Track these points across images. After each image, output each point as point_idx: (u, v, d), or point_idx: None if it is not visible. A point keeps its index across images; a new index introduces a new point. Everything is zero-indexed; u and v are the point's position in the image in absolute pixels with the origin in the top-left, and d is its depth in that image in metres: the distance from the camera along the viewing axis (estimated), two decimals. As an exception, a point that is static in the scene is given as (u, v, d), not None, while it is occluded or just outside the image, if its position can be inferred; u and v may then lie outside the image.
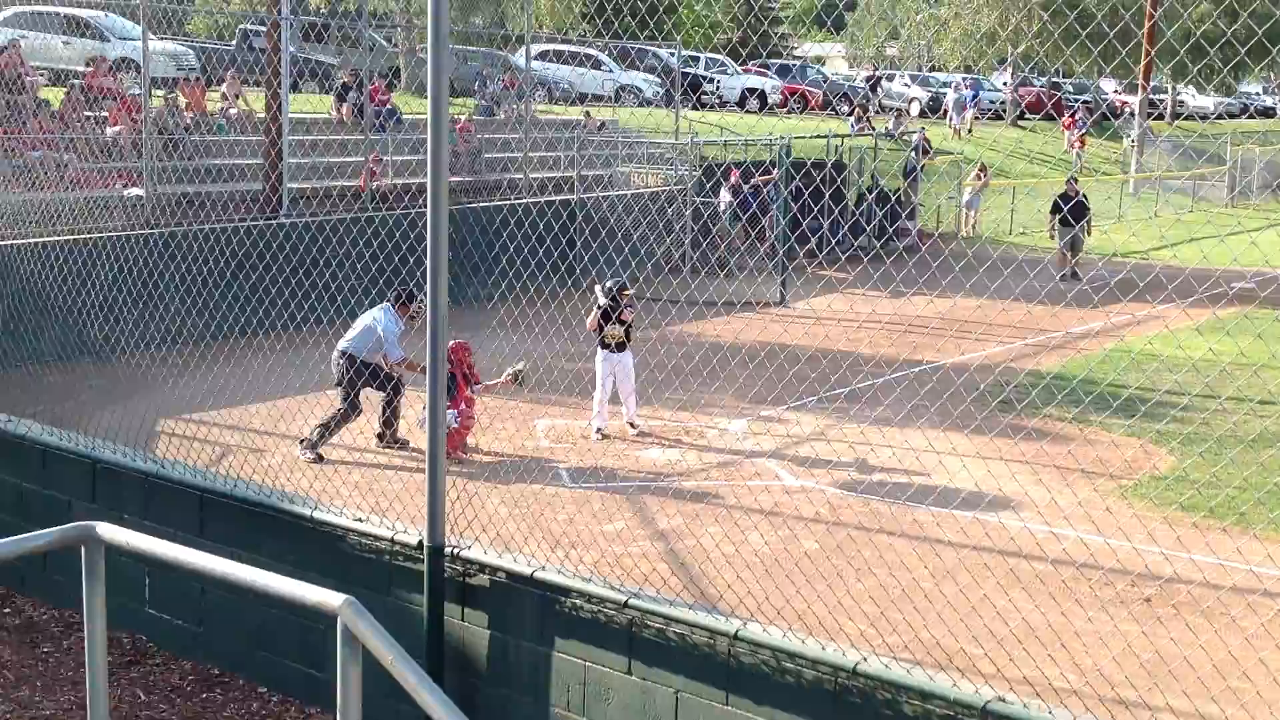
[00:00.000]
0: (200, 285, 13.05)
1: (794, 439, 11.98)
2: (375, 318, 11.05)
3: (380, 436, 11.27)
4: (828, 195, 22.72)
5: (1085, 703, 6.09)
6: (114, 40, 22.98)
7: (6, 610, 8.57)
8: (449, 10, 6.29)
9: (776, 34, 57.23)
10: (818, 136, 26.70)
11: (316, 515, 7.20)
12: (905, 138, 31.56)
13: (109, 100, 18.36)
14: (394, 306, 11.12)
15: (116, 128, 17.81)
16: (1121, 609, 7.83)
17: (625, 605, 6.07)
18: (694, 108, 34.34)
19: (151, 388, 11.19)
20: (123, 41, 22.66)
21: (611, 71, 35.54)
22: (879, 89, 45.23)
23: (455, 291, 6.93)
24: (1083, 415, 11.99)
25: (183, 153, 18.07)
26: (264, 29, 20.08)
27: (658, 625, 5.98)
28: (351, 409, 10.96)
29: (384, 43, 31.89)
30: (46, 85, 19.97)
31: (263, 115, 18.82)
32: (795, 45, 60.53)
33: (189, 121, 19.33)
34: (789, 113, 38.51)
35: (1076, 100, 46.99)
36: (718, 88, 39.46)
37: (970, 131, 39.72)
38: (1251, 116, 57.65)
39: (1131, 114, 42.99)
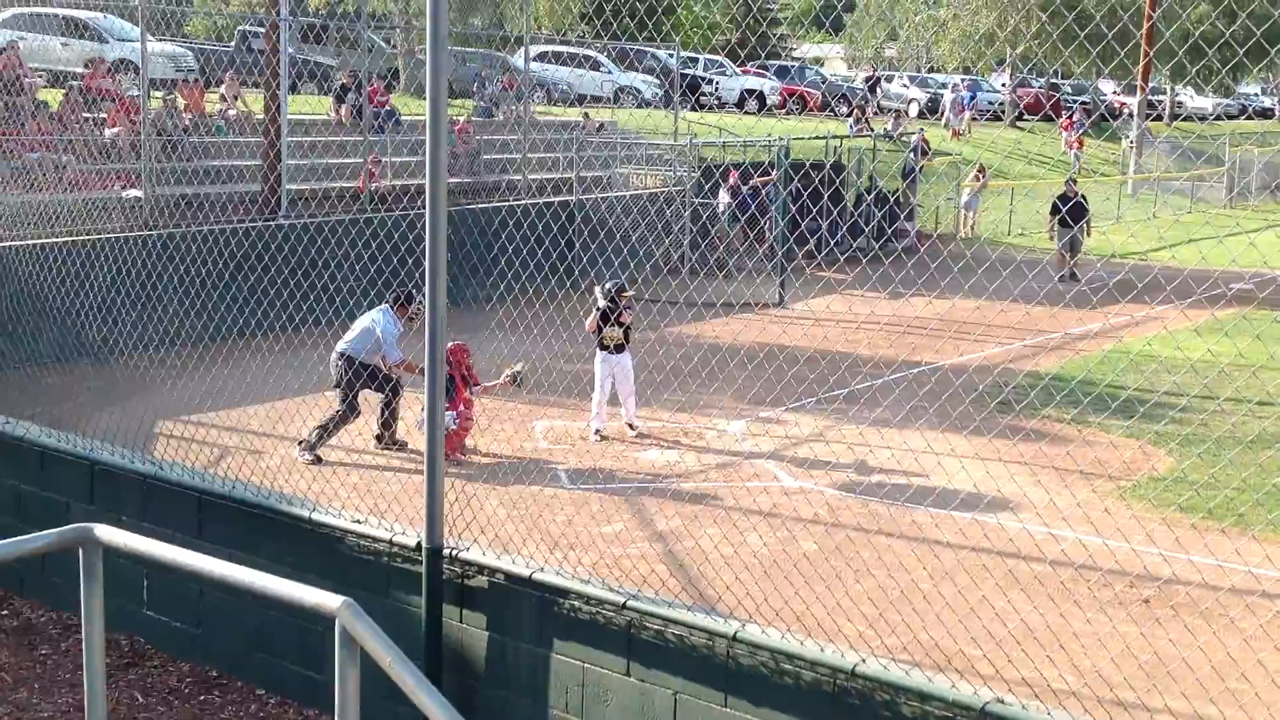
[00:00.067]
0: (199, 287, 13.04)
1: (793, 440, 11.98)
2: (374, 319, 11.05)
3: (379, 438, 11.27)
4: (826, 196, 22.72)
5: (1084, 704, 6.09)
6: (112, 42, 22.98)
7: (4, 612, 8.56)
8: (448, 11, 6.29)
9: (775, 35, 57.27)
10: (816, 138, 26.71)
11: (315, 517, 7.20)
12: (904, 139, 31.57)
13: (107, 102, 18.35)
14: (393, 308, 11.12)
15: (115, 129, 17.81)
16: (1120, 610, 7.83)
17: (624, 607, 6.06)
18: (693, 109, 34.36)
19: (150, 389, 11.19)
20: (121, 43, 22.66)
21: (610, 73, 35.55)
22: (878, 90, 45.25)
23: (454, 293, 6.93)
24: (1081, 416, 11.99)
25: (181, 154, 18.07)
26: (263, 30, 20.08)
27: (656, 627, 5.97)
28: (350, 410, 10.95)
29: (383, 44, 31.89)
30: (45, 87, 19.96)
31: (261, 116, 18.82)
32: (794, 46, 60.56)
33: (187, 123, 19.32)
34: (788, 114, 38.53)
35: (1075, 101, 47.01)
36: (716, 89, 39.49)
37: (969, 132, 39.73)
38: (1250, 117, 57.69)
39: (1130, 115, 43.03)
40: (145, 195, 16.29)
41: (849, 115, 36.07)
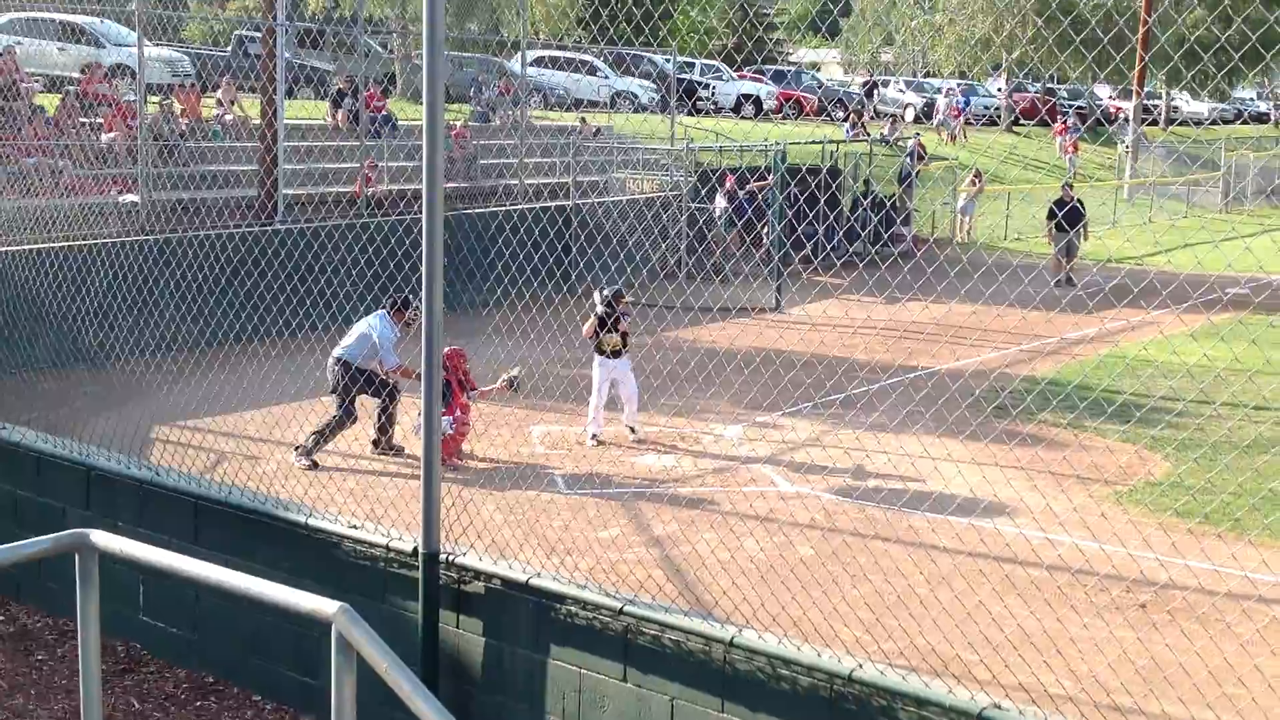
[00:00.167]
0: (195, 291, 13.04)
1: (789, 445, 11.99)
2: (371, 325, 11.04)
3: (375, 443, 11.26)
4: (823, 201, 22.73)
5: (1081, 709, 6.10)
6: (109, 46, 22.97)
7: (1, 618, 8.55)
8: (444, 16, 6.29)
9: (771, 40, 57.31)
10: (813, 142, 26.73)
11: (311, 522, 7.19)
12: (900, 143, 31.60)
13: (104, 107, 18.35)
14: (389, 313, 11.11)
15: (112, 134, 17.80)
16: (1117, 615, 7.83)
17: (620, 612, 6.06)
18: (689, 113, 34.39)
19: (146, 394, 11.18)
20: (118, 48, 22.66)
21: (607, 77, 35.58)
22: (874, 95, 45.31)
23: (450, 297, 6.93)
24: (1078, 421, 12.00)
25: (178, 159, 18.06)
26: (259, 35, 20.08)
27: (653, 632, 5.97)
28: (347, 416, 10.95)
29: (379, 49, 31.90)
30: (41, 92, 19.96)
31: (258, 121, 18.81)
32: (790, 51, 60.58)
33: (184, 128, 19.32)
34: (784, 118, 38.56)
35: (1070, 106, 47.07)
36: (713, 94, 39.53)
37: (965, 137, 39.77)
38: (1246, 122, 57.75)
39: (1126, 120, 43.08)
40: (142, 200, 16.28)
41: (845, 120, 36.11)
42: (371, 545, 6.93)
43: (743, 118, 37.72)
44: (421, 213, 6.31)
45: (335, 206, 18.69)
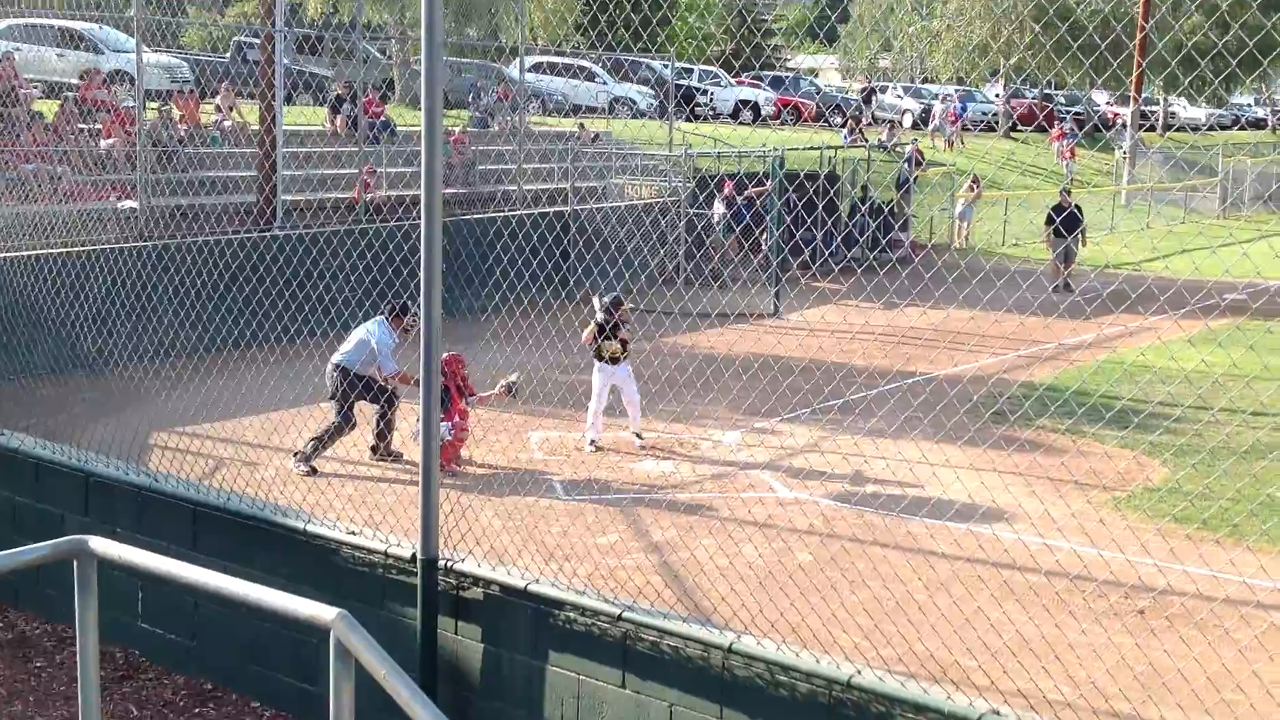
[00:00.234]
0: (194, 298, 13.04)
1: (788, 451, 11.99)
2: (370, 331, 11.05)
3: (374, 449, 11.26)
4: (821, 207, 22.75)
5: (1079, 715, 6.09)
6: (108, 53, 22.99)
7: (-1, 624, 8.55)
8: (443, 22, 6.30)
9: (769, 46, 57.39)
10: (811, 148, 26.75)
11: (310, 528, 7.19)
12: (898, 149, 31.64)
13: (103, 113, 18.36)
14: (388, 319, 11.12)
15: (110, 140, 17.81)
16: (1115, 621, 7.84)
17: (619, 618, 6.06)
18: (687, 120, 34.41)
19: (144, 401, 11.18)
20: (117, 54, 22.68)
21: (605, 83, 35.61)
22: (872, 101, 45.37)
23: (449, 303, 6.93)
24: (1076, 427, 12.00)
25: (176, 165, 18.07)
26: (258, 41, 20.09)
27: (652, 638, 5.97)
28: (345, 422, 10.95)
29: (378, 55, 31.91)
30: (40, 98, 19.97)
31: (257, 127, 18.83)
32: (788, 57, 60.65)
33: (183, 134, 19.33)
34: (782, 124, 38.60)
35: (1068, 112, 47.14)
36: (711, 100, 39.57)
37: (962, 143, 39.83)
38: (1243, 128, 57.81)
39: (1123, 125, 43.15)
40: (140, 206, 16.29)
41: (843, 126, 36.16)
42: (370, 551, 6.93)
43: (741, 123, 37.76)
44: (420, 218, 6.32)
45: (334, 212, 18.70)
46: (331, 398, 11.00)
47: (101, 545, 4.46)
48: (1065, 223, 22.43)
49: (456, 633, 6.65)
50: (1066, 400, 12.90)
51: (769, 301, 20.01)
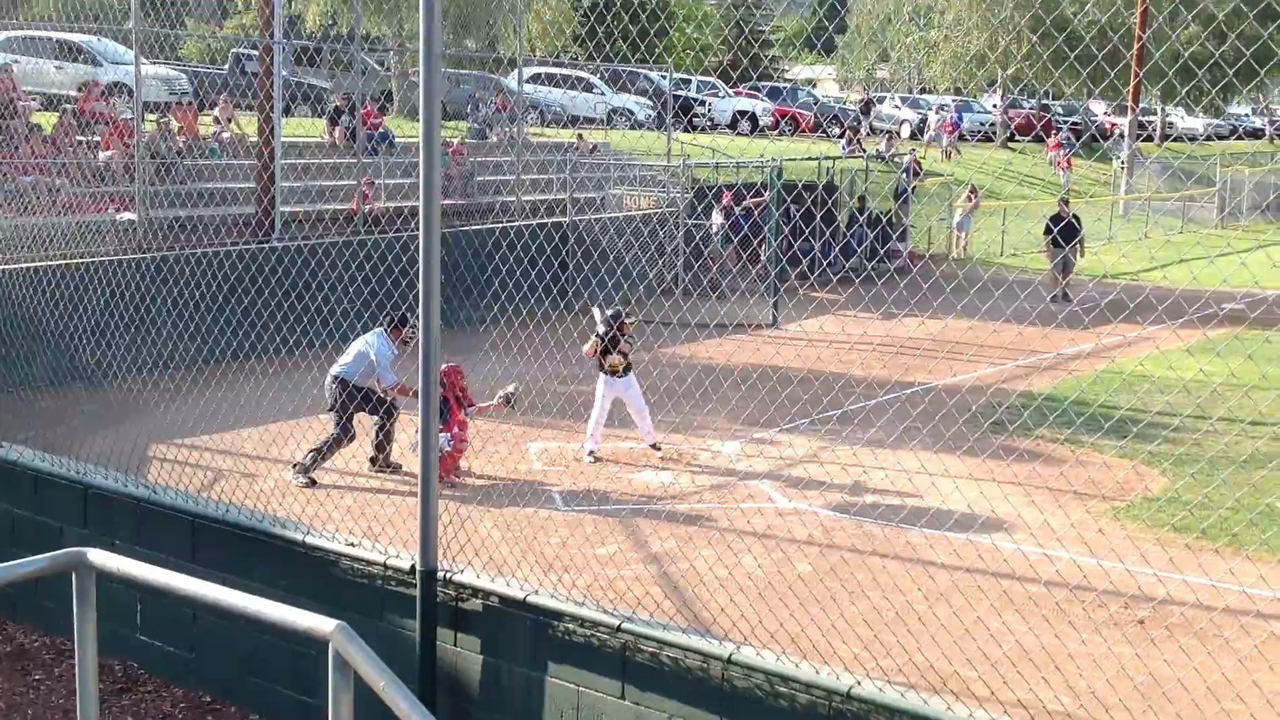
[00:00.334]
0: (192, 309, 13.05)
1: (787, 461, 11.99)
2: (368, 342, 11.06)
3: (373, 460, 11.26)
4: (819, 217, 22.78)
5: (1079, 725, 6.09)
6: (106, 65, 23.02)
7: (-3, 637, 8.53)
8: (441, 34, 6.32)
9: (767, 57, 57.49)
10: (809, 159, 26.78)
11: (309, 540, 7.19)
12: (896, 159, 31.69)
13: (101, 125, 18.38)
14: (387, 331, 11.12)
15: (109, 152, 17.83)
16: (1115, 631, 7.83)
17: (618, 629, 6.06)
18: (685, 130, 34.46)
19: (143, 413, 11.17)
20: (115, 66, 22.71)
21: (603, 94, 35.66)
22: (870, 111, 45.45)
23: (447, 314, 6.94)
24: (1075, 436, 12.01)
25: (175, 177, 18.08)
26: (256, 53, 20.13)
27: (651, 649, 5.97)
28: (344, 433, 10.94)
29: (376, 66, 31.96)
30: (39, 110, 19.99)
31: (255, 139, 18.85)
32: (786, 68, 60.77)
33: (181, 145, 19.35)
34: (780, 135, 38.66)
35: (1065, 121, 47.23)
36: (709, 110, 39.62)
37: (959, 153, 39.89)
38: (1240, 138, 57.94)
39: (1121, 135, 43.22)
40: (139, 218, 16.30)
41: (841, 136, 36.22)
42: (369, 563, 6.92)
43: (739, 134, 37.81)
44: (418, 230, 6.33)
45: (332, 224, 18.71)
46: (330, 409, 11.00)
47: (100, 557, 4.46)
48: (1063, 233, 22.46)
49: (455, 644, 6.65)
50: (1065, 410, 12.90)
51: (767, 312, 20.02)
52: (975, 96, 49.51)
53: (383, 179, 20.85)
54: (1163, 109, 53.18)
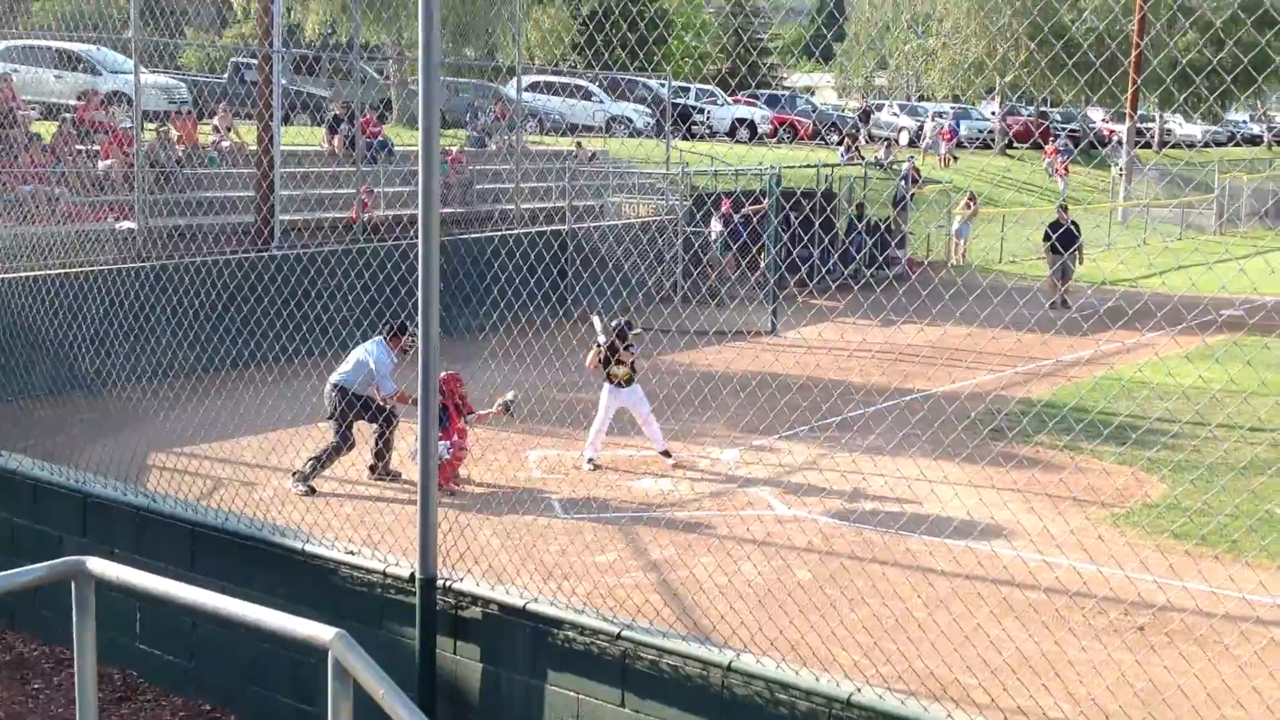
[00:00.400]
0: (192, 318, 13.05)
1: (786, 468, 11.98)
2: (368, 351, 11.06)
3: (372, 469, 11.26)
4: (818, 224, 22.80)
5: (1079, 732, 6.08)
6: (106, 74, 23.05)
7: (-4, 646, 8.52)
8: (440, 42, 6.33)
9: (765, 65, 57.57)
10: (807, 166, 26.80)
11: (308, 548, 7.18)
12: (895, 167, 31.72)
13: (101, 134, 18.39)
14: (386, 340, 11.13)
15: (108, 161, 17.84)
16: (1115, 637, 7.83)
17: (618, 637, 6.05)
18: (684, 138, 34.50)
19: (143, 421, 11.17)
20: (114, 75, 22.74)
21: (602, 102, 35.70)
22: (869, 119, 45.51)
23: (446, 322, 6.94)
24: (1074, 443, 12.01)
25: (174, 186, 18.09)
26: (256, 62, 20.16)
27: (651, 657, 5.96)
28: (343, 442, 10.95)
29: (375, 75, 32.00)
30: (38, 119, 20.00)
31: (254, 148, 18.87)
32: (784, 76, 60.85)
33: (181, 154, 19.36)
34: (779, 142, 38.71)
35: (1064, 129, 47.28)
36: (708, 118, 39.67)
37: (954, 159, 39.93)
38: (1238, 144, 57.99)
39: (1119, 142, 43.27)
40: (138, 227, 16.30)
41: (839, 143, 36.26)
42: (368, 571, 6.92)
43: (737, 142, 37.85)
44: (417, 238, 6.33)
45: (332, 232, 18.72)
46: (330, 417, 11.00)
47: (99, 566, 4.46)
48: (1062, 239, 22.47)
49: (455, 652, 6.64)
50: (1064, 417, 12.91)
51: (766, 319, 20.03)
52: (974, 104, 49.58)
53: (382, 187, 20.86)
54: (1161, 116, 53.27)
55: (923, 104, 50.05)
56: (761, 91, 46.89)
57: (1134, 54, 34.07)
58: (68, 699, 7.44)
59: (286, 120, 21.66)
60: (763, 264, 22.08)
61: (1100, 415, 13.40)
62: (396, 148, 23.31)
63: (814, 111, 45.60)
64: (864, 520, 10.16)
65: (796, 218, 20.51)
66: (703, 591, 8.04)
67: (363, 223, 19.37)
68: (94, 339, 10.88)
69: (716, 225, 23.19)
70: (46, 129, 18.86)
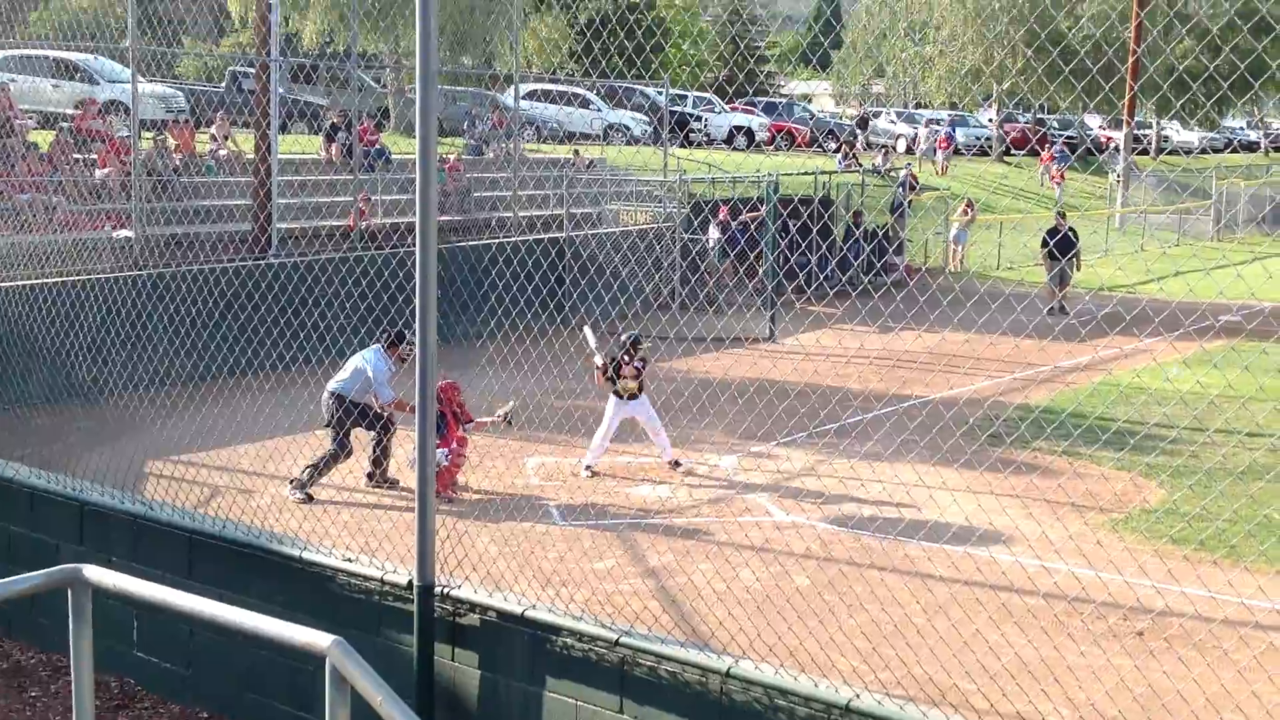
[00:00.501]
0: (189, 326, 13.05)
1: (784, 474, 11.98)
2: (365, 358, 11.06)
3: (370, 476, 11.25)
4: (815, 231, 22.82)
5: (1079, 737, 6.08)
6: (103, 83, 23.05)
7: (-7, 655, 8.50)
8: (437, 50, 6.33)
9: (763, 72, 57.66)
10: (805, 173, 26.82)
11: (306, 556, 7.17)
12: (892, 174, 31.75)
13: (98, 143, 18.40)
14: (384, 347, 11.12)
15: (105, 170, 17.85)
16: (1114, 643, 7.82)
17: (616, 644, 6.04)
18: (682, 145, 34.52)
19: (140, 429, 11.16)
20: (112, 84, 22.74)
21: (600, 110, 35.73)
22: (866, 126, 45.56)
23: (444, 330, 6.94)
24: (1072, 449, 12.00)
25: (172, 194, 18.09)
26: (253, 70, 20.16)
27: (649, 664, 5.95)
28: (341, 449, 10.94)
29: (372, 83, 32.03)
30: (35, 128, 20.01)
31: (252, 156, 18.88)
32: (782, 83, 60.94)
33: (178, 163, 19.37)
34: (776, 150, 38.75)
35: (1060, 135, 47.32)
36: (705, 125, 39.71)
37: (949, 165, 39.97)
38: (1235, 151, 58.07)
39: (1116, 149, 43.33)
40: (136, 235, 16.30)
41: (837, 151, 36.29)
42: (366, 578, 6.91)
43: (735, 149, 37.89)
44: (415, 245, 6.33)
45: (329, 240, 18.72)
46: (327, 425, 10.99)
47: (96, 574, 4.45)
48: (1060, 245, 22.49)
49: (453, 659, 6.63)
50: (1062, 422, 12.91)
51: (764, 326, 20.03)
52: (971, 111, 49.64)
53: (379, 195, 20.87)
54: (1158, 122, 53.33)
55: (920, 111, 50.12)
56: (759, 99, 46.95)
57: (1131, 60, 34.15)
58: (65, 707, 7.42)
59: (284, 129, 21.69)
60: (760, 271, 22.10)
61: (1098, 421, 13.40)
62: (394, 156, 23.33)
63: (811, 119, 45.65)
64: (862, 526, 10.15)
65: (794, 225, 20.51)
66: (701, 597, 8.03)
67: (360, 231, 19.38)
68: (91, 347, 10.87)
69: (714, 232, 23.21)
70: (44, 138, 18.87)
